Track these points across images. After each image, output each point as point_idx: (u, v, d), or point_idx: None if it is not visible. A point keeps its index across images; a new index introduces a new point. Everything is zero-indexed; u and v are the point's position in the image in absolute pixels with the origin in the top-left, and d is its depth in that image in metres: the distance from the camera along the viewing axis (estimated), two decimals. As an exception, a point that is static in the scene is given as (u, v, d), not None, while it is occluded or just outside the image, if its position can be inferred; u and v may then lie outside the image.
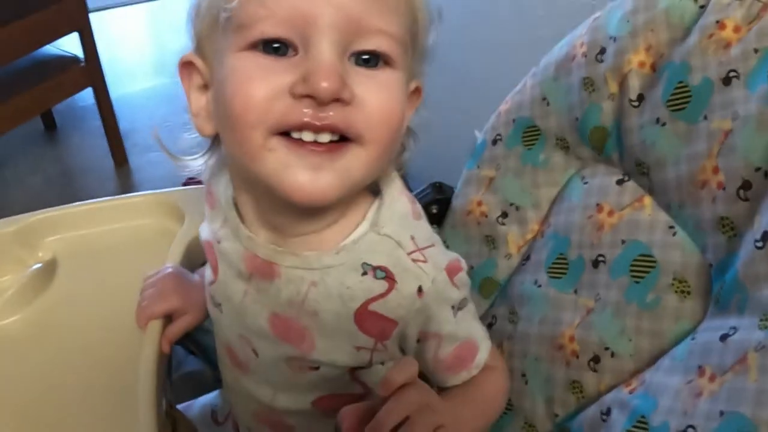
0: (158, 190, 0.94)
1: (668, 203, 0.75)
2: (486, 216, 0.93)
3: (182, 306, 0.76)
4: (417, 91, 0.63)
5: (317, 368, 0.65)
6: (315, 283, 0.61)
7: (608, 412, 0.72)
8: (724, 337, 0.62)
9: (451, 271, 0.63)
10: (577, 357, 0.78)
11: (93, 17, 1.99)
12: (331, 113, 0.52)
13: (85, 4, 1.93)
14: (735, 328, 0.62)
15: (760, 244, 0.61)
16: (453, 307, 0.64)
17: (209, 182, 0.70)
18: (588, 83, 0.83)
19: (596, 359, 0.76)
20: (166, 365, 0.76)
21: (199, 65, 0.59)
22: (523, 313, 0.86)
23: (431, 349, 0.65)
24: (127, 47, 3.01)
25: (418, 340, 0.65)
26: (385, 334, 0.62)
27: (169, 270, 0.79)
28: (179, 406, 0.91)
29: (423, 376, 0.72)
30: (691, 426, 0.61)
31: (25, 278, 0.84)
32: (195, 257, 0.84)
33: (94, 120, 2.25)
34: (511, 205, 0.91)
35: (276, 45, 0.52)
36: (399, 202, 0.64)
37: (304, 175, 0.53)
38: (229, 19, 0.54)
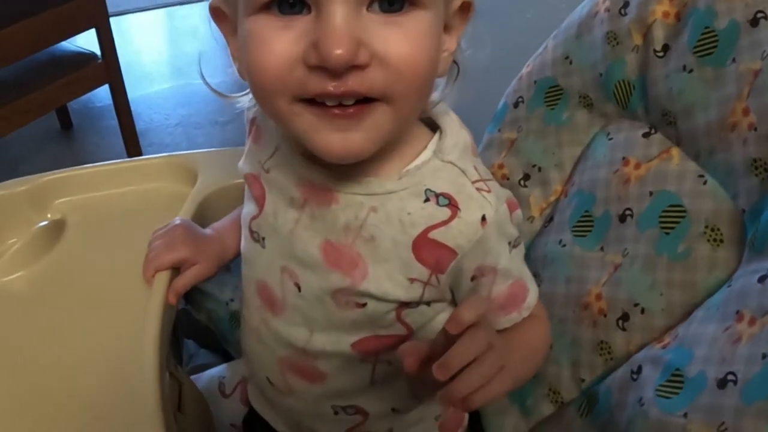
0: (172, 153, 0.92)
1: (697, 152, 0.72)
2: (508, 179, 0.90)
3: (192, 256, 0.73)
4: (465, 6, 0.57)
5: (364, 305, 0.62)
6: (375, 209, 0.59)
7: (639, 370, 0.68)
8: (762, 279, 0.59)
9: (511, 207, 0.61)
10: (605, 316, 0.75)
11: (112, 21, 2.00)
12: (349, 80, 0.49)
13: (104, 1, 1.92)
14: (774, 268, 0.58)
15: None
16: (509, 243, 0.62)
17: (256, 116, 0.68)
18: (611, 37, 0.80)
19: (625, 317, 0.73)
20: (173, 320, 0.73)
21: (227, 11, 0.57)
22: (547, 275, 0.82)
23: (485, 286, 0.62)
24: (145, 50, 3.02)
25: (473, 278, 0.62)
26: (441, 266, 0.59)
27: (178, 221, 0.76)
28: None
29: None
30: (731, 372, 0.57)
31: (30, 234, 0.82)
32: (207, 216, 0.82)
33: (111, 120, 2.24)
34: (534, 166, 0.89)
35: (291, 1, 0.49)
36: (461, 135, 0.62)
37: (334, 138, 0.51)
38: None
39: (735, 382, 0.56)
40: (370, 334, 0.64)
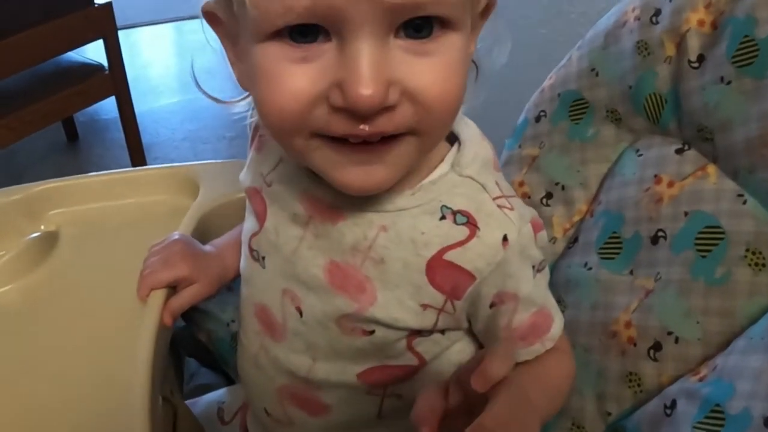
0: (173, 164, 0.87)
1: (736, 169, 0.67)
2: (529, 197, 0.85)
3: (190, 275, 0.68)
4: (488, 7, 0.52)
5: (371, 332, 0.57)
6: (385, 228, 0.54)
7: (673, 405, 0.63)
8: (813, 306, 0.54)
9: (535, 227, 0.56)
10: (635, 345, 0.69)
11: (121, 34, 1.98)
12: (378, 122, 0.44)
13: (112, 12, 1.91)
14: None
15: None
16: (533, 267, 0.56)
17: (260, 124, 0.63)
18: (642, 47, 0.76)
19: (657, 346, 0.67)
20: (168, 342, 0.68)
21: (223, 17, 0.52)
22: (570, 300, 0.77)
23: (505, 315, 0.57)
24: (154, 64, 3.01)
25: (492, 305, 0.57)
26: (457, 291, 0.54)
27: (177, 236, 0.71)
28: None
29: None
30: (780, 410, 0.52)
31: (21, 246, 0.78)
32: (208, 231, 0.78)
33: (116, 132, 2.22)
34: (557, 184, 0.83)
35: (304, 31, 0.44)
36: (482, 147, 0.57)
37: (356, 173, 0.48)
38: (242, 4, 0.45)
39: (787, 422, 0.51)
40: (378, 364, 0.59)
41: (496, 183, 0.55)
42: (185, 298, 0.68)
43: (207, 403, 0.88)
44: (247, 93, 0.58)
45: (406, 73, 0.44)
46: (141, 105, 2.27)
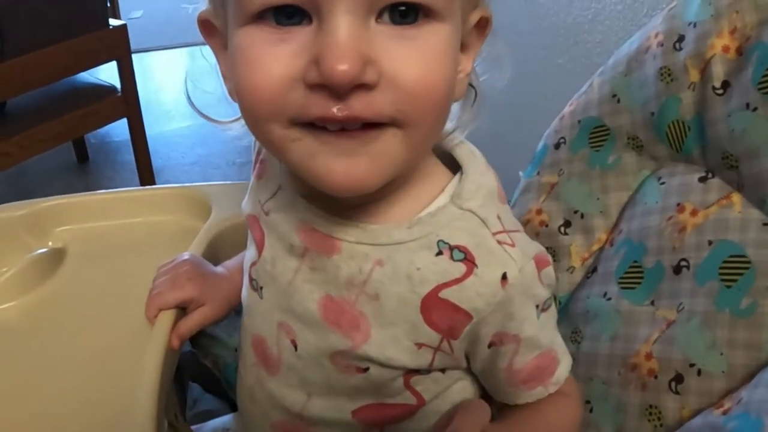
0: (183, 184, 0.86)
1: (762, 198, 0.65)
2: (546, 225, 0.83)
3: (199, 296, 0.66)
4: (482, 22, 0.51)
5: (366, 369, 0.54)
6: (381, 262, 0.51)
7: (696, 440, 0.60)
8: None
9: (540, 264, 0.53)
10: (656, 377, 0.67)
11: (134, 58, 2.00)
12: (354, 103, 0.42)
13: (126, 35, 1.94)
14: None
15: None
16: (537, 307, 0.53)
17: (262, 150, 0.62)
18: (665, 73, 0.74)
19: (679, 379, 0.65)
20: (175, 365, 0.66)
21: (217, 24, 0.51)
22: (589, 332, 0.75)
23: (506, 357, 0.54)
24: (165, 88, 3.04)
25: (490, 345, 0.54)
26: (454, 331, 0.52)
27: (186, 257, 0.70)
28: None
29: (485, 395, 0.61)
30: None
31: (25, 262, 0.76)
32: (220, 253, 0.76)
33: (127, 155, 2.23)
34: (576, 212, 0.82)
35: (289, 10, 0.43)
36: (486, 178, 0.54)
37: (337, 164, 0.45)
38: None
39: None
40: (375, 402, 0.57)
41: (498, 217, 0.53)
42: (194, 321, 0.67)
43: (212, 429, 0.86)
44: (239, 116, 0.57)
45: (386, 55, 0.43)
46: (152, 128, 2.28)
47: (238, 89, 0.46)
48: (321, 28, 0.42)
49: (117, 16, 2.45)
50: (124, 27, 1.91)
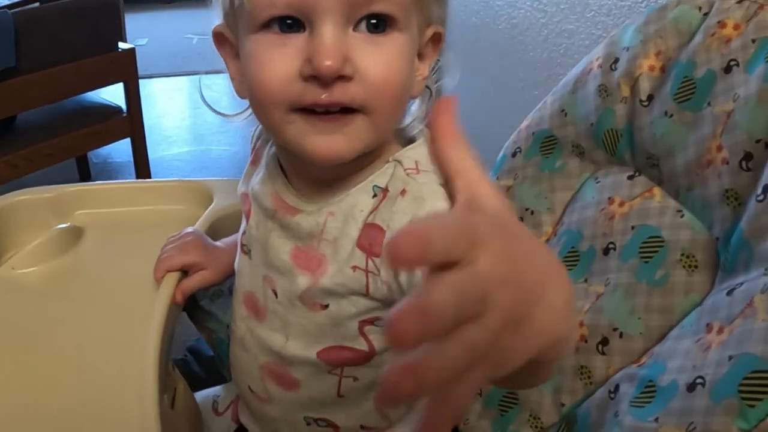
0: (190, 178, 0.98)
1: (677, 190, 0.77)
2: (501, 221, 0.95)
3: (201, 261, 0.79)
4: (436, 37, 0.65)
5: (326, 306, 0.66)
6: (332, 213, 0.64)
7: (616, 389, 0.72)
8: (730, 292, 0.64)
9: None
10: (586, 342, 0.78)
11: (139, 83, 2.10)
12: (335, 91, 0.55)
13: (134, 59, 2.05)
14: (741, 283, 0.63)
15: (761, 197, 0.63)
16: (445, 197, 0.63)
17: (257, 142, 0.76)
18: (602, 90, 0.87)
19: (605, 341, 0.77)
20: (177, 319, 0.77)
21: (229, 36, 0.65)
22: (534, 307, 0.86)
23: None
24: (168, 114, 3.13)
25: None
26: (374, 247, 0.62)
27: (191, 230, 0.82)
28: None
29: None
30: (700, 376, 0.61)
31: (48, 235, 0.88)
32: (218, 232, 0.87)
33: (129, 176, 2.32)
34: (527, 210, 0.94)
35: (289, 21, 0.57)
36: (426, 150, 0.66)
37: (321, 141, 0.58)
38: (242, 3, 0.59)
39: (703, 385, 0.60)
40: (335, 344, 0.68)
41: (416, 162, 0.63)
42: (196, 280, 0.79)
43: (203, 397, 0.96)
44: (246, 107, 0.70)
45: (360, 55, 0.56)
46: (154, 152, 2.37)
47: (251, 83, 0.60)
48: (312, 35, 0.56)
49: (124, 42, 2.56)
50: (132, 51, 2.02)
